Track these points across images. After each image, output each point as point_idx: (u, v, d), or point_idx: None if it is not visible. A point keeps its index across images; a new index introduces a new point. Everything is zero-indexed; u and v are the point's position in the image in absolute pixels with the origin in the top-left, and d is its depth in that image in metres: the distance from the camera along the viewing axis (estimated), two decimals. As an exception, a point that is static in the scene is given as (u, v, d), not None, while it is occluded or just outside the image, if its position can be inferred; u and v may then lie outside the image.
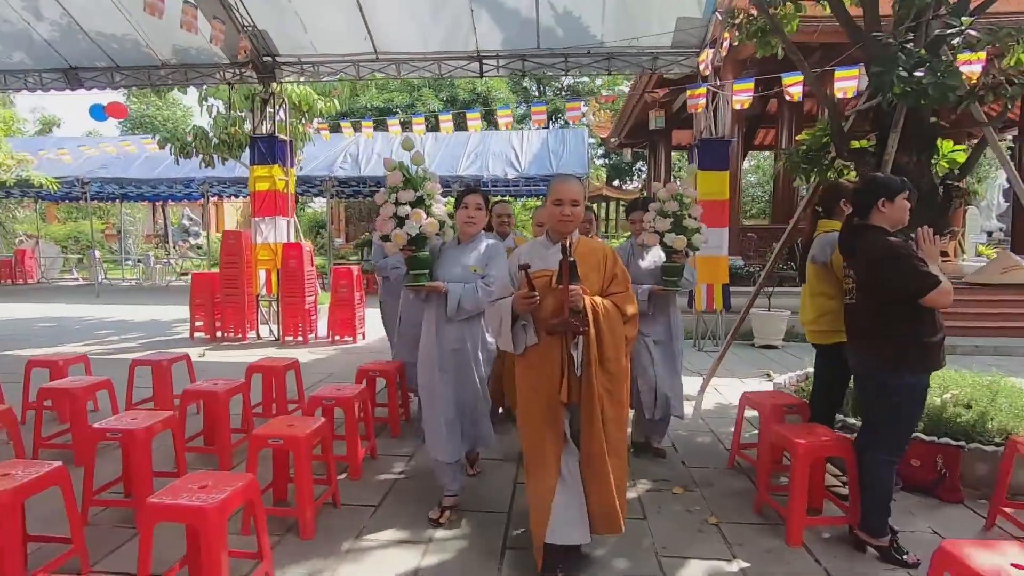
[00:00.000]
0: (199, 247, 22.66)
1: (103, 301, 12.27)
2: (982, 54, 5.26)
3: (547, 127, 16.01)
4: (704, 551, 2.59)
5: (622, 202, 22.80)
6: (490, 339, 2.97)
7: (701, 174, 6.97)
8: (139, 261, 18.62)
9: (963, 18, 3.45)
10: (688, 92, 6.84)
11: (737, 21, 4.94)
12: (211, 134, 8.91)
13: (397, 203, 2.79)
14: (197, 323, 7.80)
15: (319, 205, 23.70)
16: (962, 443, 3.13)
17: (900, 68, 3.44)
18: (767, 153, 22.14)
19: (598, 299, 2.31)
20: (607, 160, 27.34)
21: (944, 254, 10.63)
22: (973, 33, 3.45)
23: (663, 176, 14.72)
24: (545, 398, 2.31)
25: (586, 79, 24.43)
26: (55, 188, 11.80)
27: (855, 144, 4.47)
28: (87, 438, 2.96)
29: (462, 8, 6.78)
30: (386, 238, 2.82)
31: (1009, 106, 3.93)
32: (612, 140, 16.29)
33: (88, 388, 3.59)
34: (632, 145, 17.55)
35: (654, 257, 3.56)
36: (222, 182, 13.40)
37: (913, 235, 2.55)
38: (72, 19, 7.10)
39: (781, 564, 2.49)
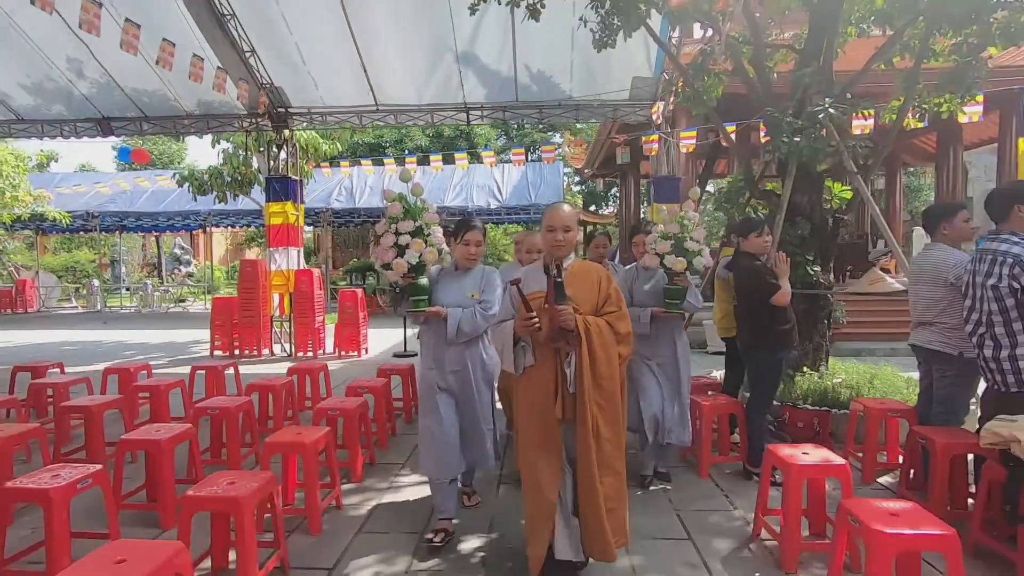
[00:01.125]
0: (191, 275, 23.41)
1: (111, 327, 13.04)
2: (871, 112, 6.64)
3: (526, 158, 17.33)
4: (649, 505, 3.63)
5: (598, 226, 24.21)
6: (487, 360, 3.04)
7: (656, 206, 8.20)
8: (137, 289, 19.33)
9: (826, 99, 4.70)
10: (643, 139, 8.11)
11: (674, 88, 6.21)
12: (224, 173, 9.97)
13: (397, 233, 2.89)
14: (216, 342, 8.73)
15: (306, 232, 24.68)
16: (831, 409, 4.27)
17: (783, 134, 4.68)
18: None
19: (591, 318, 2.34)
20: (583, 187, 28.82)
21: (885, 270, 12.09)
22: (832, 112, 4.69)
23: (633, 203, 16.06)
24: (540, 417, 2.34)
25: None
26: (68, 222, 12.68)
27: (769, 186, 5.72)
28: (193, 416, 3.93)
29: (452, 68, 8.00)
30: (387, 266, 2.92)
31: (869, 160, 5.23)
32: (586, 171, 17.65)
33: (167, 386, 4.56)
34: (604, 175, 18.93)
35: (657, 280, 3.51)
36: (224, 214, 14.38)
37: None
38: (111, 78, 8.16)
39: (697, 489, 3.58)
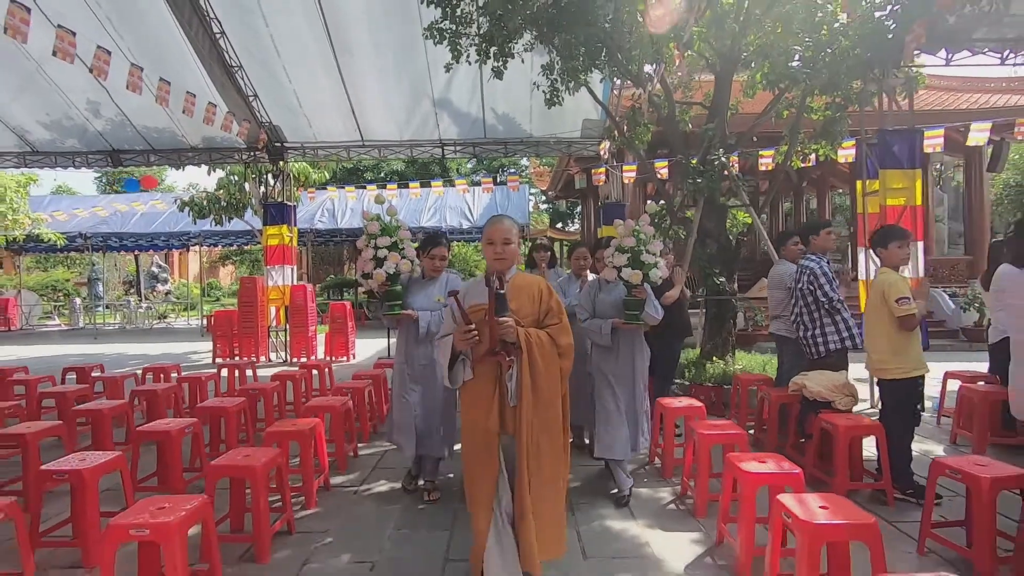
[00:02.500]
0: (167, 293, 24.00)
1: (102, 342, 13.78)
2: (769, 152, 8.18)
3: (494, 182, 18.77)
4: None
5: (565, 242, 25.78)
6: None
7: (607, 227, 9.62)
8: (119, 306, 19.89)
9: (720, 149, 6.14)
10: (593, 171, 9.55)
11: (614, 133, 7.64)
12: (220, 199, 11.03)
13: (376, 247, 3.38)
14: (218, 350, 9.73)
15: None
16: (722, 385, 5.65)
17: (688, 176, 6.10)
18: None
19: (532, 330, 2.34)
20: (551, 207, 30.41)
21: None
22: (723, 160, 6.13)
23: (593, 221, 17.58)
24: (481, 432, 2.33)
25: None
26: (61, 242, 13.45)
27: (688, 214, 7.15)
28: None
29: (429, 110, 9.31)
30: (367, 276, 3.40)
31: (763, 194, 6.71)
32: (550, 193, 19.15)
33: (207, 378, 5.67)
34: (566, 197, 20.48)
35: (618, 292, 3.59)
36: (215, 234, 15.32)
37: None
38: (125, 117, 9.21)
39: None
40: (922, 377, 3.48)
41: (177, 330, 16.66)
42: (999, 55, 5.69)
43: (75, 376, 6.41)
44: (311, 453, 3.61)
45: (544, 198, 28.77)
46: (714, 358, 6.37)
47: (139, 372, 6.27)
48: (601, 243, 4.12)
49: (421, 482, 3.68)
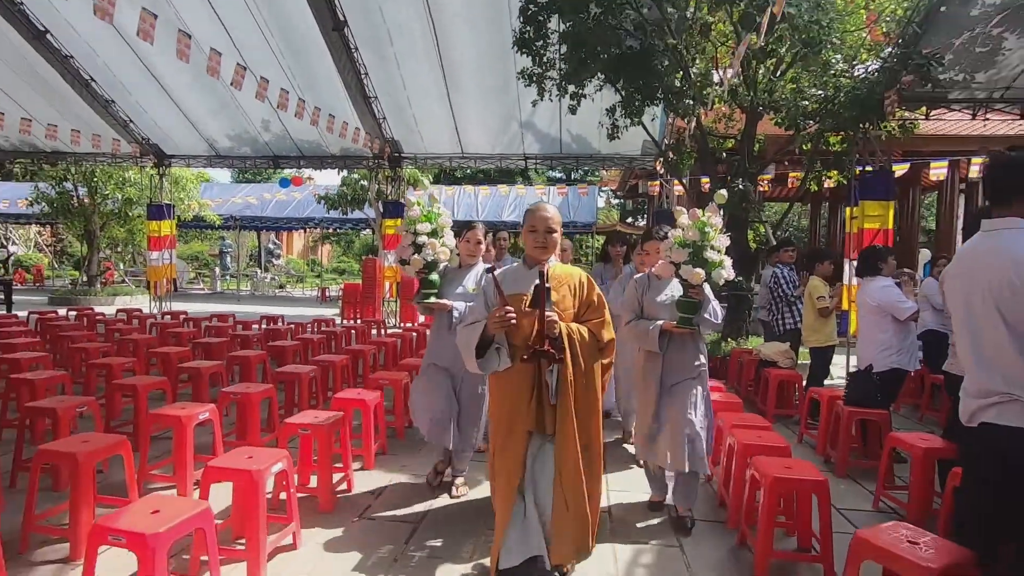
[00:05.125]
0: (280, 266, 27.99)
1: (245, 304, 17.15)
2: (795, 173, 9.85)
3: (569, 179, 20.91)
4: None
5: (632, 236, 27.54)
6: None
7: (677, 208, 11.54)
8: (247, 276, 23.71)
9: (740, 178, 7.96)
10: (649, 182, 11.47)
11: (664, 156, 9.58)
12: (347, 195, 13.86)
13: (416, 233, 3.24)
14: (344, 313, 12.56)
15: (367, 234, 28.99)
16: (726, 357, 7.57)
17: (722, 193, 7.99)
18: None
19: (574, 325, 2.31)
20: (621, 203, 32.05)
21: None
22: (745, 186, 7.92)
23: (651, 221, 19.30)
24: (513, 428, 2.31)
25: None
26: (219, 222, 16.92)
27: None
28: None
29: (516, 131, 11.57)
30: (404, 262, 3.28)
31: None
32: (619, 193, 20.99)
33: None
34: (632, 197, 22.24)
35: (671, 290, 3.19)
36: (338, 221, 18.51)
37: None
38: (287, 132, 12.08)
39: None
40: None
41: (296, 297, 20.00)
42: (971, 112, 7.15)
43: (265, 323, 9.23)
44: (371, 421, 4.00)
45: (616, 197, 30.51)
46: (728, 339, 8.27)
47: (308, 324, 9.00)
48: (650, 233, 3.72)
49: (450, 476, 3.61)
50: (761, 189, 8.63)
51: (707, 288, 3.00)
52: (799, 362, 6.10)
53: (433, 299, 3.31)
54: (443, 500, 3.50)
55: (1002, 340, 1.84)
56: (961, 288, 1.99)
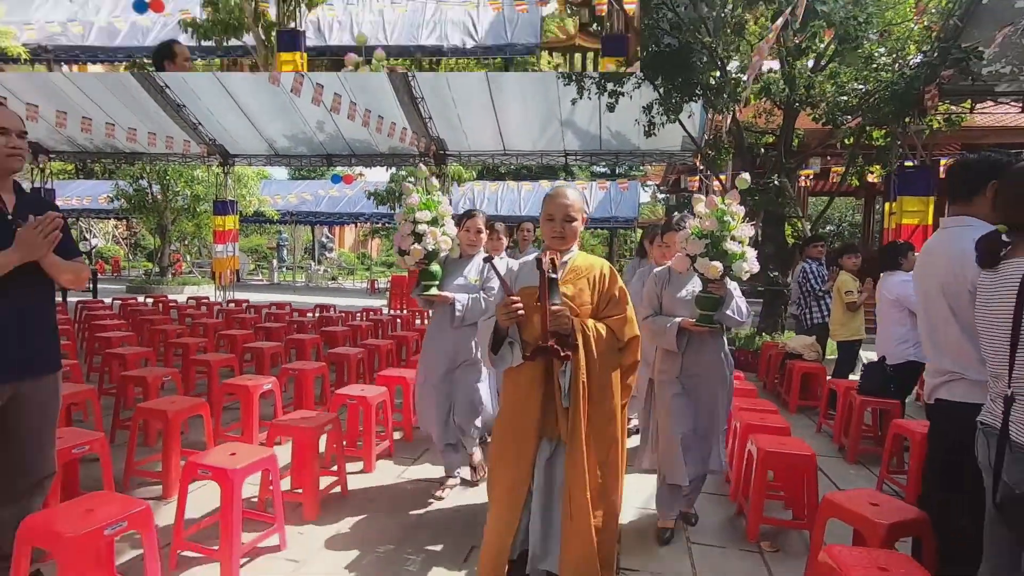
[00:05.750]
0: (332, 259, 29.21)
1: (303, 294, 18.14)
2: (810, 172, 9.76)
3: (613, 173, 21.00)
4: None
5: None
6: (474, 349, 3.20)
7: (695, 196, 11.64)
8: (302, 268, 24.95)
9: (775, 174, 8.02)
10: (688, 178, 11.55)
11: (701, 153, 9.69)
12: (395, 191, 14.50)
13: (415, 222, 3.11)
14: (392, 304, 13.21)
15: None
16: (757, 351, 7.69)
17: (748, 194, 8.10)
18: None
19: (590, 321, 2.13)
20: (667, 198, 31.80)
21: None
22: (781, 182, 7.97)
23: (700, 217, 19.17)
24: (517, 430, 2.15)
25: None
26: (276, 217, 17.95)
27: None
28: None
29: (557, 129, 11.87)
30: (403, 253, 3.15)
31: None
32: (662, 187, 20.93)
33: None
34: (675, 192, 22.12)
35: (692, 286, 2.96)
36: (382, 216, 19.31)
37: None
38: (340, 132, 12.80)
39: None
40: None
41: (348, 289, 20.96)
42: (1020, 105, 6.98)
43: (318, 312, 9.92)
44: (411, 397, 4.34)
45: (660, 191, 30.28)
46: (763, 333, 8.36)
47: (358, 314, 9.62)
48: (669, 224, 3.55)
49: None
50: (801, 184, 8.63)
51: (730, 283, 2.79)
52: (827, 356, 6.21)
53: (434, 290, 3.19)
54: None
55: (950, 327, 2.09)
56: (920, 282, 2.24)
